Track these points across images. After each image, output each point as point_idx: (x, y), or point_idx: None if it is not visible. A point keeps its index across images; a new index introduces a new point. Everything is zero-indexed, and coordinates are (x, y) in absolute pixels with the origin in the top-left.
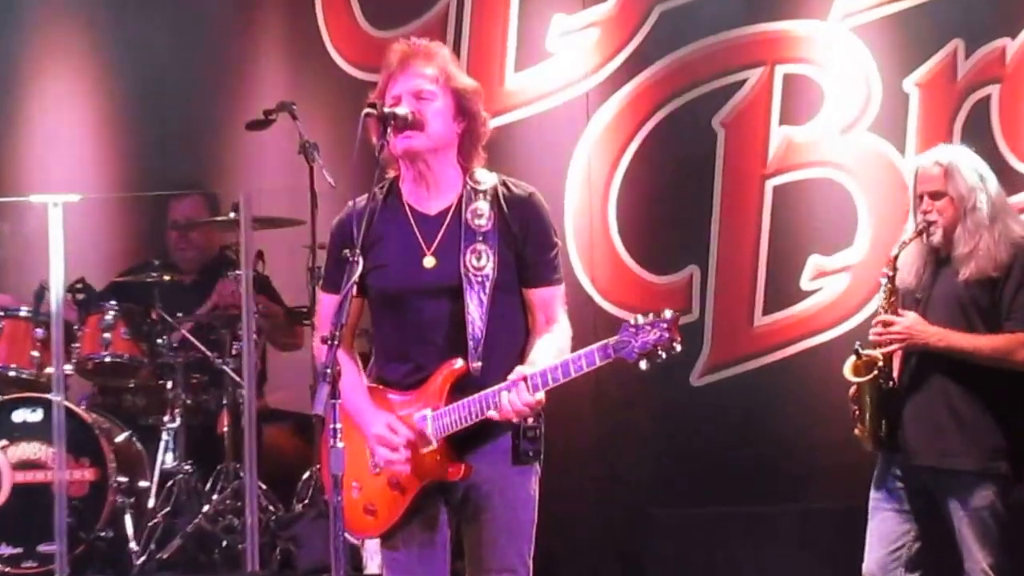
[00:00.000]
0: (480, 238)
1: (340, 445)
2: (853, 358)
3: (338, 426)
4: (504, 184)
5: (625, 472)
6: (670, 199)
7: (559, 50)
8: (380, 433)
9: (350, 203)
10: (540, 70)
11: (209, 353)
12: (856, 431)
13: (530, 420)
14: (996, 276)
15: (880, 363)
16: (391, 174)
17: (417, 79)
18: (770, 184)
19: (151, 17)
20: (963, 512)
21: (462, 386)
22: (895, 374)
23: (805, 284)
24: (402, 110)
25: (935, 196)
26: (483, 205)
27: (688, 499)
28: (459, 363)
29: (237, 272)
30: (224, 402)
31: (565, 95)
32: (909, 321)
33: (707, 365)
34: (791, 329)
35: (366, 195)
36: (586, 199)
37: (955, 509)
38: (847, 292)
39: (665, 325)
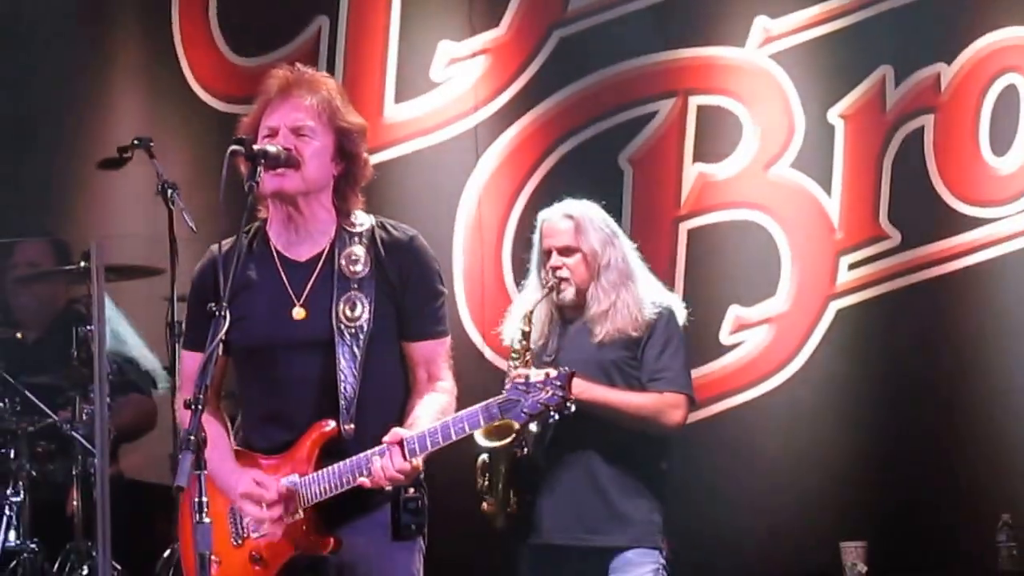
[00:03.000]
0: (355, 286)
1: (207, 520)
2: None
3: (204, 500)
4: (382, 226)
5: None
6: None
7: (445, 79)
8: (247, 490)
9: (212, 248)
10: (423, 101)
11: (56, 418)
12: (484, 506)
13: (411, 490)
14: (637, 336)
15: (516, 427)
16: (260, 216)
17: (298, 112)
18: (684, 227)
19: None
20: None
21: (334, 450)
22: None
23: (724, 338)
24: (274, 148)
25: (565, 252)
26: (359, 250)
27: None
28: (330, 425)
29: (89, 328)
30: (74, 473)
31: (452, 130)
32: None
33: None
34: (709, 387)
35: (228, 239)
36: (477, 246)
37: None
38: (771, 346)
39: (559, 383)
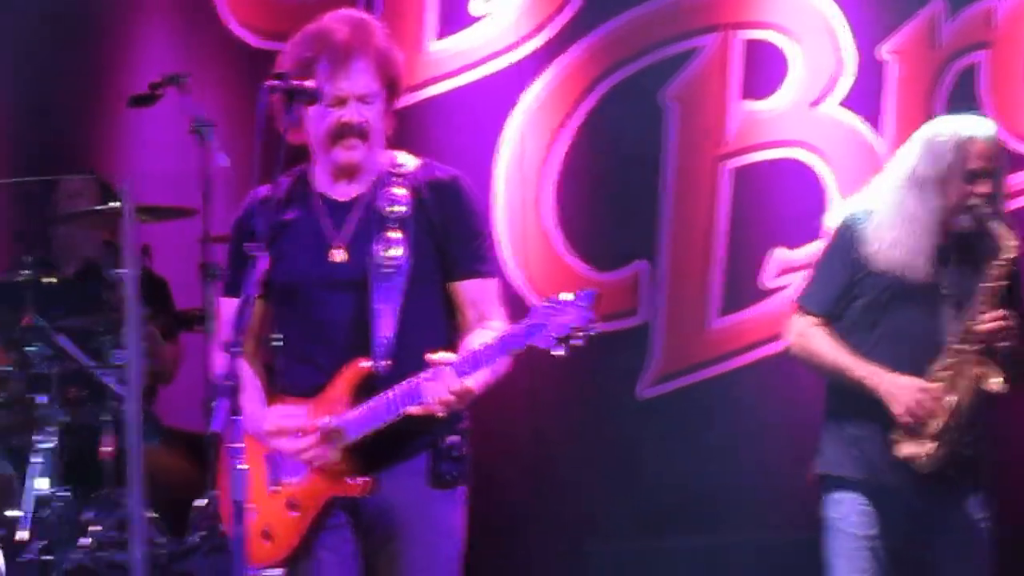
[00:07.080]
0: (395, 226)
1: (243, 467)
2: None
3: (240, 446)
4: (425, 167)
5: (561, 499)
6: (614, 184)
7: (486, 13)
8: (274, 425)
9: (253, 191)
10: (464, 36)
11: (89, 363)
12: (939, 449)
13: (452, 437)
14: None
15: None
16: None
17: (363, 77)
18: (728, 166)
19: None
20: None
21: (368, 389)
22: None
23: (767, 281)
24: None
25: (995, 176)
26: (400, 190)
27: (632, 531)
28: (364, 363)
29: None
30: (106, 419)
31: (493, 65)
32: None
33: (657, 374)
34: (751, 332)
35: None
36: (518, 185)
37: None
38: None
39: (584, 304)
